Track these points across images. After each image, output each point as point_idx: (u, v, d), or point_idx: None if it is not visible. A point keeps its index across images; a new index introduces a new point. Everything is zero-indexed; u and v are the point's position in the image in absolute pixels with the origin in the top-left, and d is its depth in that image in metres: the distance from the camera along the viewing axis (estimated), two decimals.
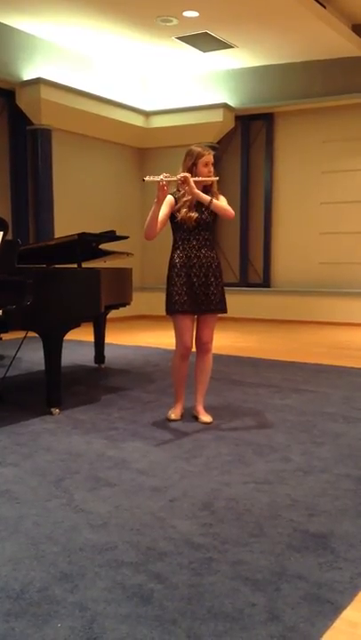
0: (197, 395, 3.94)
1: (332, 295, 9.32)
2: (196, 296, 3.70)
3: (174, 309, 3.71)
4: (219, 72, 9.53)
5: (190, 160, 3.64)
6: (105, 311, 5.09)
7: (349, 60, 8.71)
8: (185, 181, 3.54)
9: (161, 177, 3.47)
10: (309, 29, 7.74)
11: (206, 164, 3.64)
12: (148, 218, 3.58)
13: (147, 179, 3.48)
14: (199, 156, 3.63)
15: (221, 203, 3.67)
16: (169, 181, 3.51)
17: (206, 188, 3.68)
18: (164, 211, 3.61)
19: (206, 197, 3.60)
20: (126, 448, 3.35)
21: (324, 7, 7.32)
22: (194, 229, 3.68)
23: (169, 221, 3.70)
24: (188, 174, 3.55)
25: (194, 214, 3.64)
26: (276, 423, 3.86)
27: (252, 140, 10.00)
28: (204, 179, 3.63)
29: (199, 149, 3.66)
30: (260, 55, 8.84)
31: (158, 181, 3.45)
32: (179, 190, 3.65)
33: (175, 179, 3.54)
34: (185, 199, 3.62)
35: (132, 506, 2.58)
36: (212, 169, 3.68)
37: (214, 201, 3.62)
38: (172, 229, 3.75)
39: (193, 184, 3.54)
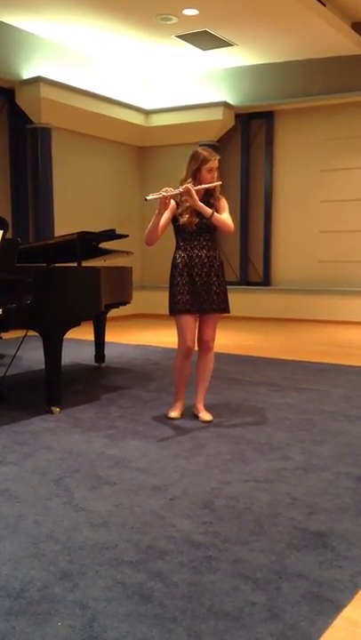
0: (198, 393, 3.95)
1: (333, 293, 9.31)
2: (198, 296, 3.70)
3: (177, 309, 3.72)
4: (219, 70, 9.51)
5: (195, 164, 3.64)
6: (105, 310, 5.09)
7: (349, 58, 8.69)
8: (187, 193, 3.54)
9: (162, 193, 3.49)
10: (309, 27, 7.73)
11: (210, 170, 3.63)
12: (149, 226, 3.61)
13: (149, 197, 3.49)
14: (204, 161, 3.62)
15: (223, 216, 3.68)
16: (171, 196, 3.53)
17: (209, 192, 3.68)
18: (166, 215, 3.63)
19: (208, 210, 3.61)
20: (126, 447, 3.36)
21: (324, 5, 7.30)
22: (195, 232, 3.69)
23: (170, 223, 3.72)
24: (190, 186, 3.55)
25: (195, 219, 3.65)
26: (276, 422, 3.86)
27: (252, 139, 9.99)
28: (206, 186, 3.62)
29: (205, 154, 3.64)
30: (260, 53, 8.83)
31: (160, 197, 3.48)
32: (181, 195, 3.66)
33: (177, 192, 3.55)
34: (187, 204, 3.63)
35: (132, 504, 2.58)
36: (215, 174, 3.67)
37: (215, 215, 3.64)
38: (175, 231, 3.76)
39: (195, 196, 3.55)
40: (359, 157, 9.17)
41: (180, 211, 3.66)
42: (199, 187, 3.59)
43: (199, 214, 3.65)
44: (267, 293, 9.89)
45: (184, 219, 3.65)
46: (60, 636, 1.70)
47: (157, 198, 3.49)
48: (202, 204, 3.59)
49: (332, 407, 4.23)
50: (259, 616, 1.80)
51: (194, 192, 3.54)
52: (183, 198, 3.62)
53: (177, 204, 3.67)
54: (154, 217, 3.60)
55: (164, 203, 3.54)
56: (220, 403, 4.30)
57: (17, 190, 8.45)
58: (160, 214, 3.59)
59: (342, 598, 1.89)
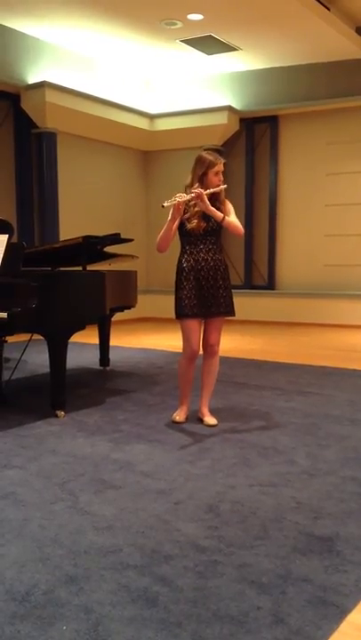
0: (203, 397, 3.95)
1: (338, 297, 9.30)
2: (204, 299, 3.71)
3: (184, 313, 3.72)
4: (223, 75, 9.53)
5: (201, 169, 3.65)
6: (110, 314, 5.10)
7: (354, 62, 8.70)
8: (199, 198, 3.56)
9: (176, 199, 3.52)
10: (314, 32, 7.74)
11: (217, 174, 3.67)
12: (162, 232, 3.64)
13: (166, 204, 3.54)
14: (211, 165, 3.64)
15: (232, 219, 3.70)
16: (185, 201, 3.56)
17: (214, 196, 3.69)
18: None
19: (219, 215, 3.63)
20: (131, 450, 3.36)
21: (329, 9, 7.31)
22: (201, 235, 3.71)
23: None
24: (201, 190, 3.56)
25: (203, 224, 3.67)
26: (281, 426, 3.86)
27: (256, 143, 10.00)
28: (214, 190, 3.64)
29: (211, 158, 3.67)
30: (264, 58, 8.84)
31: (175, 204, 3.51)
32: (192, 200, 3.67)
33: (189, 197, 3.58)
34: (195, 209, 3.65)
35: (136, 508, 2.58)
36: (221, 177, 3.70)
37: (227, 218, 3.66)
38: (180, 235, 3.77)
39: (207, 200, 3.56)
40: None
41: (187, 215, 3.67)
42: (209, 191, 3.60)
43: (207, 218, 3.67)
44: (271, 297, 9.88)
45: (192, 224, 3.66)
46: None
47: (173, 205, 3.52)
48: (213, 208, 3.61)
49: (337, 411, 4.22)
50: (264, 621, 1.79)
51: (205, 197, 3.56)
52: (192, 203, 3.64)
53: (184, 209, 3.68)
54: (167, 223, 3.63)
55: (178, 209, 3.58)
56: (225, 407, 4.30)
57: (22, 194, 8.48)
58: (173, 220, 3.62)
59: (348, 603, 1.88)
